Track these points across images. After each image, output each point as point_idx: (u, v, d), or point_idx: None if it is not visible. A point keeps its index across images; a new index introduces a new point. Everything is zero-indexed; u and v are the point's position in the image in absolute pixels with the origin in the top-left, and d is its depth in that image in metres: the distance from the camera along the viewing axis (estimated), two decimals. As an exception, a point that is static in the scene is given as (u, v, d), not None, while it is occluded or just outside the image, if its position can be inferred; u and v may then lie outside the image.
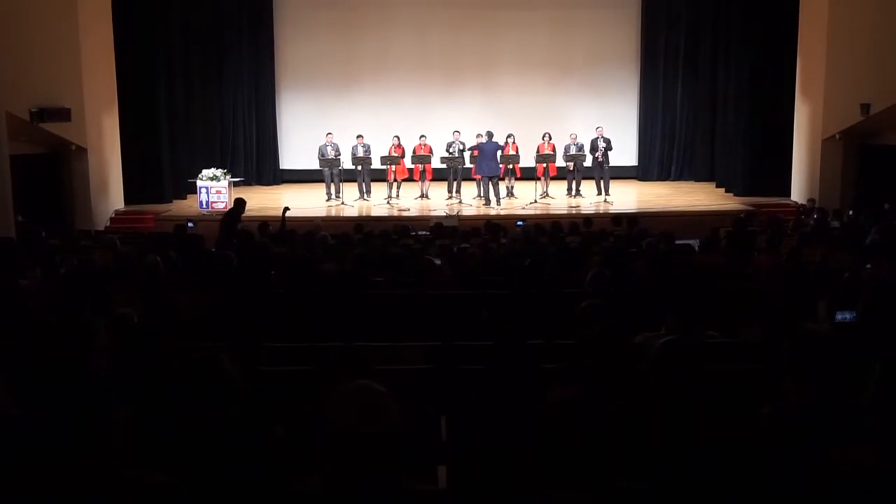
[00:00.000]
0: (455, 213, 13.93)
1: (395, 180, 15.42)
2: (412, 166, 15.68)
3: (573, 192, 15.68)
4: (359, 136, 15.53)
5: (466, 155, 15.42)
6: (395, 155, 15.30)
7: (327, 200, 15.39)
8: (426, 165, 15.59)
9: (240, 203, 11.58)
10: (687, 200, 15.74)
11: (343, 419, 2.10)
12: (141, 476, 2.05)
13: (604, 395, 2.89)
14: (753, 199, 15.14)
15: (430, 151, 15.57)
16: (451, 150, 15.34)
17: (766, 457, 2.66)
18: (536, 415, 2.25)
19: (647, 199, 16.12)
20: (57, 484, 1.98)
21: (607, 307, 4.40)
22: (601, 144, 15.34)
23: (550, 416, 2.24)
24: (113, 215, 14.96)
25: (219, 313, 5.96)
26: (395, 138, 15.60)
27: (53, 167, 13.91)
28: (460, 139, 15.50)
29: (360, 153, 15.28)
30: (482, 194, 15.03)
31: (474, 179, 15.59)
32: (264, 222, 10.82)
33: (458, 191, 15.36)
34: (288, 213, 11.02)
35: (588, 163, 15.53)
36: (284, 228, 10.25)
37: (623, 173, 17.85)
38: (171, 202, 15.82)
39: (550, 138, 15.53)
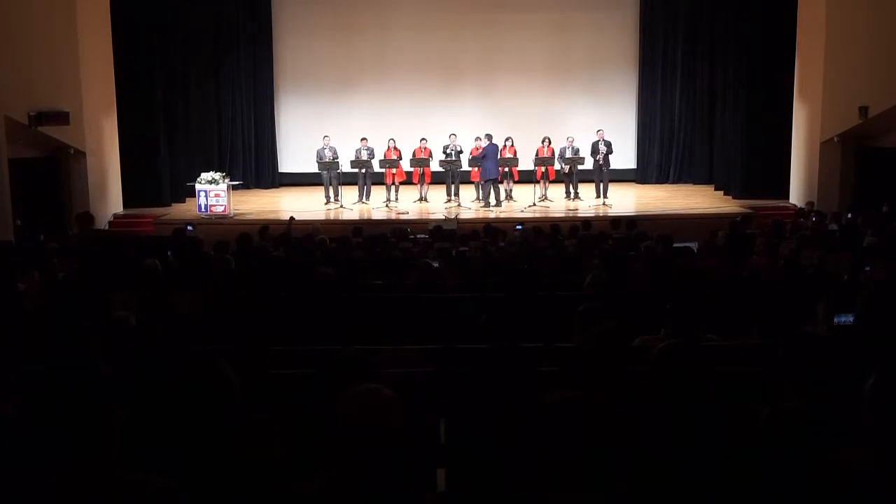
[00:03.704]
0: (454, 217, 13.92)
1: (394, 183, 15.43)
2: (411, 169, 15.69)
3: (571, 196, 15.69)
4: (363, 139, 15.53)
5: (464, 157, 15.43)
6: (393, 158, 15.31)
7: (326, 204, 15.39)
8: (425, 169, 15.60)
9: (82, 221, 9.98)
10: (685, 203, 15.75)
11: (350, 423, 2.10)
12: (139, 479, 2.04)
13: (603, 396, 2.89)
14: (752, 202, 15.14)
15: (430, 155, 15.57)
16: (447, 152, 15.35)
17: (765, 459, 2.66)
18: (535, 416, 2.26)
19: (645, 201, 16.12)
20: (55, 487, 1.97)
21: (606, 310, 4.40)
22: (602, 147, 15.35)
23: (549, 416, 2.24)
24: (112, 219, 14.95)
25: (217, 316, 5.96)
26: (391, 141, 15.61)
27: (52, 171, 13.89)
28: (456, 142, 15.52)
29: (364, 156, 15.28)
30: (482, 197, 15.03)
31: (473, 182, 15.61)
32: (264, 226, 10.84)
33: (456, 194, 15.37)
34: (288, 217, 11.06)
35: (589, 165, 15.53)
36: (289, 235, 10.30)
37: (621, 176, 17.85)
38: (169, 205, 15.83)
39: (550, 142, 15.54)
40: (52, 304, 6.16)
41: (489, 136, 14.76)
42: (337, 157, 15.28)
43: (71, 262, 8.19)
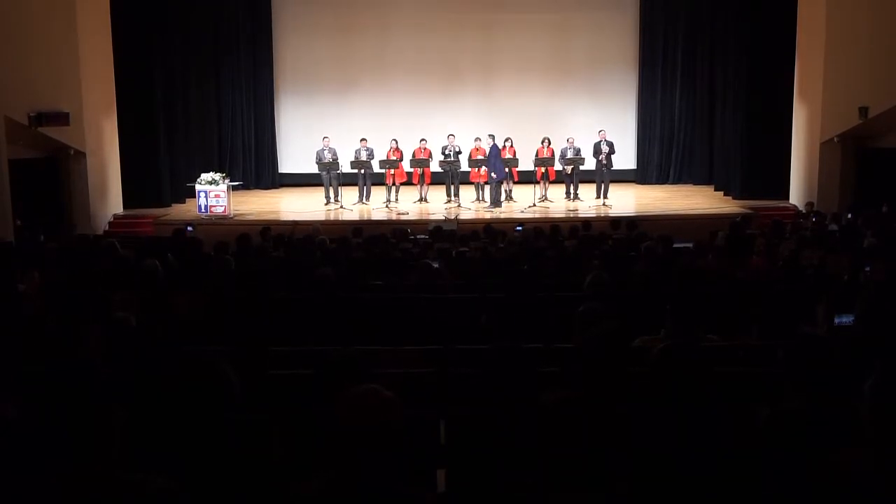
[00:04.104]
0: (454, 217, 13.93)
1: (394, 184, 15.43)
2: (411, 170, 15.70)
3: (571, 196, 15.69)
4: (362, 140, 15.53)
5: (463, 158, 15.42)
6: (394, 158, 15.32)
7: (326, 204, 15.39)
8: (425, 169, 15.60)
9: None
10: (685, 204, 15.75)
11: (349, 423, 2.10)
12: (139, 479, 2.04)
13: (602, 396, 2.89)
14: (752, 203, 15.13)
15: (430, 155, 15.57)
16: (446, 153, 15.35)
17: (765, 459, 2.66)
18: (534, 416, 2.26)
19: (645, 202, 16.13)
20: (55, 488, 1.97)
21: (606, 310, 4.40)
22: (604, 148, 15.35)
23: (547, 416, 2.25)
24: (112, 219, 14.95)
25: (217, 317, 5.96)
26: (393, 142, 15.62)
27: (52, 171, 13.90)
28: (455, 142, 15.51)
29: (363, 156, 15.29)
30: (486, 197, 15.03)
31: (473, 183, 15.62)
32: (266, 227, 10.85)
33: (456, 194, 15.37)
34: (288, 218, 11.08)
35: (591, 166, 15.52)
36: (293, 236, 10.33)
37: (621, 176, 17.82)
38: (169, 206, 15.83)
39: (550, 143, 15.53)
40: (52, 305, 6.16)
41: (492, 137, 14.78)
42: (336, 158, 15.27)
43: (71, 263, 8.19)
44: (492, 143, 14.66)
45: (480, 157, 15.12)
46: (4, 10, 11.49)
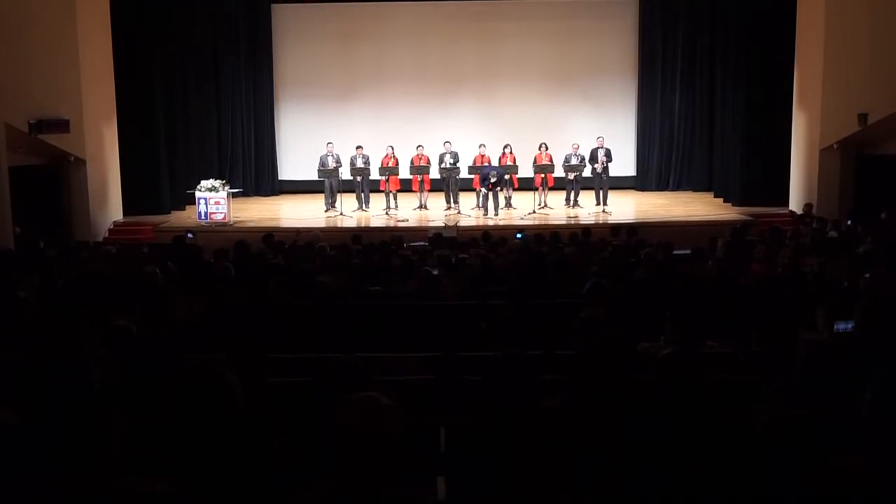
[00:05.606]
0: (454, 224, 13.94)
1: (390, 191, 15.42)
2: (410, 177, 15.70)
3: (571, 203, 15.69)
4: (358, 147, 15.56)
5: (461, 165, 15.43)
6: (391, 166, 15.31)
7: (326, 211, 15.40)
8: (424, 176, 15.61)
9: None
10: (685, 210, 15.76)
11: (349, 430, 2.10)
12: (140, 485, 2.04)
13: (601, 402, 2.89)
14: (751, 209, 15.15)
15: (429, 162, 15.58)
16: (441, 164, 15.36)
17: (765, 465, 2.66)
18: (534, 422, 2.26)
19: (645, 209, 16.13)
20: (55, 494, 1.97)
21: (606, 317, 4.40)
22: (602, 157, 15.35)
23: (546, 421, 2.25)
24: (111, 226, 14.96)
25: (217, 323, 5.95)
26: (390, 149, 15.62)
27: (52, 178, 13.91)
28: (451, 149, 15.52)
29: (360, 164, 15.30)
30: (482, 204, 15.07)
31: (473, 189, 15.62)
32: (269, 233, 10.87)
33: (455, 201, 15.37)
34: (288, 225, 11.10)
35: (588, 173, 15.54)
36: (296, 244, 10.35)
37: (621, 183, 17.84)
38: (169, 213, 15.83)
39: (547, 148, 15.55)
40: (51, 312, 6.16)
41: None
42: (340, 164, 15.31)
43: (70, 270, 8.18)
44: (502, 153, 14.73)
45: (486, 164, 15.14)
46: (4, 17, 11.51)
